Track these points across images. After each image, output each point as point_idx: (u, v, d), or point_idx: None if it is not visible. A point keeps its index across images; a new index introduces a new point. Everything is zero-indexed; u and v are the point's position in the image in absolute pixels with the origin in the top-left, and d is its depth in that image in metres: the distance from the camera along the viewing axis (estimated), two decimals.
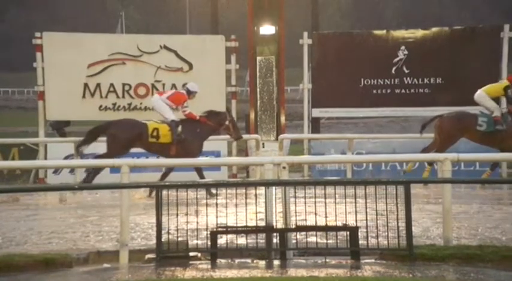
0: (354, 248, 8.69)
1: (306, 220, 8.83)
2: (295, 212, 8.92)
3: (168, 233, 8.61)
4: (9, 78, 57.98)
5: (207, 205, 8.79)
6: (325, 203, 8.70)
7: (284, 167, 9.14)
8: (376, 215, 8.60)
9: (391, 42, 18.49)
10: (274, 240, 8.83)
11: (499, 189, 14.80)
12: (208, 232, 8.68)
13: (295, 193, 8.91)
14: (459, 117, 14.83)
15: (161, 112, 14.42)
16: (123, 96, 17.71)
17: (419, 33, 18.73)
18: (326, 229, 8.80)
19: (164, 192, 8.63)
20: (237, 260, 8.66)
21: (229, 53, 18.11)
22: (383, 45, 18.48)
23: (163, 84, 17.71)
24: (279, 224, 8.98)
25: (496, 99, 15.53)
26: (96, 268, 8.55)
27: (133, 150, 14.36)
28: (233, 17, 33.13)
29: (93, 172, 13.64)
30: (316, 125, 19.72)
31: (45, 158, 16.64)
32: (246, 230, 8.83)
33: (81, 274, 8.37)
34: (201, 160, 12.40)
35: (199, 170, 13.78)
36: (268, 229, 8.83)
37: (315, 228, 8.85)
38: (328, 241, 8.84)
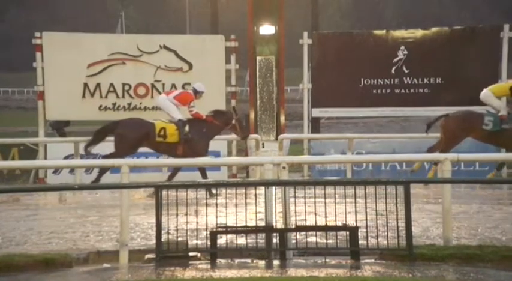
0: (353, 248, 8.69)
1: (305, 220, 8.83)
2: (295, 212, 8.92)
3: (168, 233, 8.62)
4: (9, 78, 57.99)
5: (206, 205, 8.80)
6: (325, 203, 8.70)
7: (284, 167, 9.14)
8: (376, 215, 8.60)
9: (391, 42, 18.49)
10: (274, 240, 8.84)
11: (499, 189, 14.79)
12: (208, 232, 8.68)
13: (295, 192, 8.92)
14: (464, 116, 14.77)
15: (168, 112, 14.44)
16: (123, 96, 17.71)
17: (419, 33, 18.72)
18: (326, 229, 8.80)
19: (164, 192, 8.63)
20: (236, 260, 8.67)
21: (229, 53, 18.11)
22: (383, 45, 18.47)
23: (163, 84, 17.72)
24: (279, 224, 8.99)
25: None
26: (96, 268, 8.55)
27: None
28: (233, 17, 33.10)
29: (101, 171, 13.62)
30: (316, 125, 19.71)
31: (45, 158, 16.64)
32: (246, 230, 8.84)
33: (81, 274, 8.37)
34: (200, 160, 12.38)
35: (202, 170, 13.82)
36: (268, 229, 8.83)
37: (315, 228, 8.85)
38: (328, 241, 8.84)
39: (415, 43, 18.40)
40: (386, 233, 8.56)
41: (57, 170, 16.34)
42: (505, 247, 8.71)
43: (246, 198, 8.81)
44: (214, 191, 10.34)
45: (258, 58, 18.54)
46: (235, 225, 8.96)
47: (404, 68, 18.34)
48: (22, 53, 31.21)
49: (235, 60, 18.21)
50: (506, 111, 14.71)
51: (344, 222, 8.74)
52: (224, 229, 8.83)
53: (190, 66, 17.81)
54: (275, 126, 18.43)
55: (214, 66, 17.66)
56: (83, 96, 17.58)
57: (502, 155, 14.44)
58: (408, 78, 18.35)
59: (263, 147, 16.97)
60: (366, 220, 8.68)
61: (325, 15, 49.74)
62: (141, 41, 18.09)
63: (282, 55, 18.50)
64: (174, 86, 17.60)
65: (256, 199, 9.08)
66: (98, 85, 17.62)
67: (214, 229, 8.75)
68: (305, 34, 18.55)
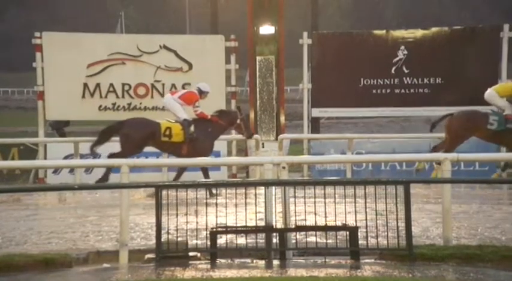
0: (353, 248, 8.68)
1: (305, 219, 8.83)
2: (295, 212, 8.92)
3: (168, 233, 8.61)
4: (8, 78, 57.98)
5: (206, 204, 8.79)
6: (325, 203, 8.70)
7: (284, 167, 9.14)
8: (376, 215, 8.60)
9: (391, 42, 18.49)
10: (274, 240, 8.83)
11: (499, 189, 14.79)
12: (208, 232, 8.68)
13: (294, 192, 8.92)
14: (469, 116, 14.71)
15: (174, 111, 14.44)
16: (123, 96, 17.72)
17: (419, 33, 18.72)
18: (326, 228, 8.80)
19: (164, 192, 8.63)
20: (236, 260, 8.66)
21: (229, 53, 18.12)
22: (383, 45, 18.48)
23: (163, 84, 17.74)
24: (279, 224, 8.99)
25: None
26: (96, 268, 8.55)
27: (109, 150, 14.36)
28: (233, 17, 33.11)
29: (108, 170, 13.61)
30: (315, 125, 19.71)
31: (45, 158, 16.65)
32: (246, 230, 8.84)
33: (80, 273, 8.37)
34: (201, 160, 12.38)
35: (205, 170, 13.84)
36: (268, 229, 8.83)
37: (315, 228, 8.85)
38: (328, 241, 8.83)
39: (415, 43, 18.40)
40: (386, 233, 8.56)
41: (57, 170, 16.34)
42: (505, 247, 8.71)
43: (245, 198, 8.81)
44: (214, 191, 10.33)
45: (258, 58, 18.54)
46: (235, 225, 8.96)
47: (404, 68, 18.34)
48: (22, 53, 31.21)
49: (235, 60, 18.22)
50: (511, 110, 14.67)
51: (344, 222, 8.74)
52: (224, 229, 8.82)
53: (190, 66, 17.82)
54: (275, 126, 18.43)
55: (214, 66, 17.67)
56: (83, 96, 17.59)
57: (502, 155, 14.45)
58: (408, 78, 18.35)
59: (263, 147, 16.98)
60: (366, 220, 8.68)
61: (325, 15, 49.74)
62: (141, 41, 18.10)
63: (282, 55, 18.50)
64: (174, 86, 17.62)
65: (256, 199, 9.07)
66: (98, 85, 17.63)
67: (214, 229, 8.75)
68: (305, 34, 18.55)
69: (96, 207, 12.43)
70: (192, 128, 14.12)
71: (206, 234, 8.68)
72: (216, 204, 8.97)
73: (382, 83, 18.44)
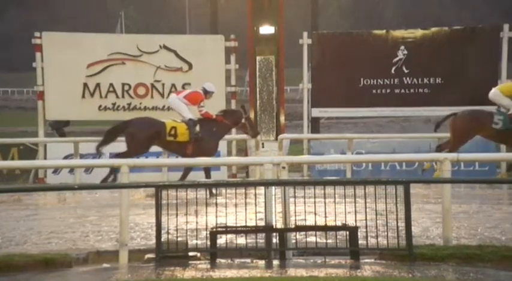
0: (353, 248, 8.69)
1: (305, 219, 8.83)
2: (295, 212, 8.92)
3: (168, 233, 8.61)
4: (8, 78, 57.98)
5: (206, 204, 8.79)
6: (325, 203, 8.70)
7: (283, 167, 9.14)
8: (376, 215, 8.60)
9: (391, 42, 18.49)
10: (274, 240, 8.83)
11: (499, 189, 14.79)
12: (208, 232, 8.68)
13: (294, 192, 8.92)
14: (473, 115, 14.66)
15: (179, 111, 14.44)
16: (123, 96, 17.72)
17: (418, 33, 18.71)
18: (325, 228, 8.80)
19: (164, 192, 8.63)
20: (236, 260, 8.66)
21: (228, 53, 18.11)
22: (382, 45, 18.47)
23: (163, 84, 17.74)
24: (279, 224, 8.98)
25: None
26: (96, 267, 8.55)
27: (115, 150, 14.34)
28: (233, 17, 33.10)
29: (112, 170, 13.59)
30: (315, 125, 19.71)
31: (45, 158, 16.65)
32: (246, 230, 8.84)
33: (80, 273, 8.37)
34: (201, 160, 12.38)
35: (207, 169, 13.85)
36: (268, 229, 8.83)
37: (315, 228, 8.85)
38: (328, 241, 8.83)
39: (415, 43, 18.40)
40: (386, 233, 8.56)
41: (56, 170, 16.34)
42: (505, 246, 8.71)
43: (245, 198, 8.81)
44: (214, 191, 10.33)
45: (258, 58, 18.54)
46: (235, 225, 8.95)
47: (404, 68, 18.34)
48: (22, 53, 31.20)
49: (235, 60, 18.21)
50: None
51: (344, 222, 8.74)
52: (224, 229, 8.82)
53: (190, 66, 17.82)
54: (275, 126, 18.43)
55: (214, 66, 17.66)
56: (83, 96, 17.59)
57: (502, 155, 14.45)
58: (408, 78, 18.35)
59: (263, 147, 16.98)
60: (366, 219, 8.68)
61: (325, 15, 49.75)
62: (140, 41, 18.10)
63: (282, 55, 18.50)
64: (173, 86, 17.63)
65: (256, 199, 9.07)
66: (98, 85, 17.63)
67: (214, 229, 8.75)
68: (305, 34, 18.55)
69: (96, 207, 12.44)
70: (197, 128, 14.13)
71: (206, 234, 8.67)
72: (216, 204, 8.96)
73: (382, 83, 18.43)
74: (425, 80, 18.34)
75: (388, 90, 18.43)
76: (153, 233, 8.74)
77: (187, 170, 14.03)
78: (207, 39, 18.49)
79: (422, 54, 18.27)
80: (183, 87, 17.38)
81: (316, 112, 18.99)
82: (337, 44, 18.71)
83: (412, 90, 18.37)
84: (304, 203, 8.75)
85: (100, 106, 17.71)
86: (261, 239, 8.81)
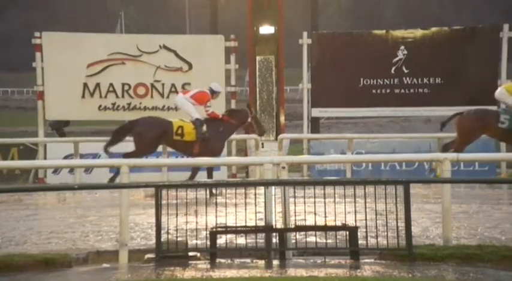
0: (353, 248, 8.68)
1: (305, 219, 8.82)
2: (295, 212, 8.92)
3: (168, 233, 8.61)
4: (8, 78, 57.99)
5: (206, 204, 8.78)
6: (325, 203, 8.70)
7: (283, 167, 9.14)
8: (376, 215, 8.60)
9: (391, 42, 18.49)
10: (274, 240, 8.83)
11: (499, 189, 14.79)
12: (208, 232, 8.68)
13: (294, 192, 8.91)
14: (479, 115, 14.62)
15: (186, 111, 14.44)
16: (123, 96, 17.72)
17: (418, 33, 18.72)
18: (325, 228, 8.80)
19: (164, 192, 8.63)
20: (236, 260, 8.66)
21: (228, 53, 18.12)
22: (382, 45, 18.47)
23: (163, 84, 17.75)
24: (279, 224, 8.98)
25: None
26: (96, 267, 8.55)
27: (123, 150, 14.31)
28: (233, 17, 33.12)
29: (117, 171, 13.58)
30: (315, 125, 19.72)
31: (45, 158, 16.65)
32: (246, 230, 8.83)
33: (80, 273, 8.37)
34: (201, 160, 12.38)
35: (210, 169, 13.87)
36: (268, 229, 8.83)
37: (314, 228, 8.84)
38: (328, 241, 8.83)
39: (415, 43, 18.40)
40: (386, 233, 8.55)
41: (56, 170, 16.34)
42: (505, 246, 8.70)
43: (245, 198, 8.80)
44: (214, 191, 10.33)
45: (258, 58, 18.55)
46: (234, 225, 8.95)
47: (404, 68, 18.34)
48: (22, 53, 31.21)
49: (234, 60, 18.21)
50: None
51: (344, 222, 8.74)
52: (224, 229, 8.82)
53: (190, 66, 17.82)
54: (275, 126, 18.44)
55: (214, 66, 17.66)
56: (83, 96, 17.59)
57: (502, 155, 14.45)
58: (408, 78, 18.35)
59: (263, 147, 16.98)
60: (366, 219, 8.67)
61: (325, 15, 49.75)
62: (140, 41, 18.10)
63: (282, 55, 18.51)
64: (173, 86, 17.64)
65: (255, 199, 9.07)
66: (98, 85, 17.63)
67: (214, 229, 8.74)
68: (305, 34, 18.55)
69: (96, 207, 12.43)
70: (204, 128, 14.14)
71: (206, 234, 8.67)
72: (216, 204, 8.96)
73: (382, 83, 18.44)
74: (425, 80, 18.35)
75: (388, 90, 18.43)
76: (153, 233, 8.74)
77: (196, 170, 14.02)
78: (207, 39, 18.49)
79: (422, 54, 18.27)
80: (183, 87, 17.40)
81: (316, 112, 19.00)
82: (337, 44, 18.71)
83: (412, 90, 18.37)
84: (304, 203, 8.75)
85: (100, 106, 17.71)
86: (260, 239, 8.81)
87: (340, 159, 14.63)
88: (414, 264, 8.31)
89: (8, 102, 53.84)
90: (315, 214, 8.88)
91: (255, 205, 8.99)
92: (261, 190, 9.08)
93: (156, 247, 8.59)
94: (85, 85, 17.59)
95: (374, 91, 18.46)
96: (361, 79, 18.46)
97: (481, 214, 11.30)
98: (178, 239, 8.62)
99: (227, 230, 8.84)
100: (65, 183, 15.11)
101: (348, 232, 8.67)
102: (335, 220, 8.74)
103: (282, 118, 18.48)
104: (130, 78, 17.72)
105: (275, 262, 8.65)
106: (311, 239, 8.93)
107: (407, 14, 65.21)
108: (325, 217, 8.75)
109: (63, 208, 12.91)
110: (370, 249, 8.70)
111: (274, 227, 8.90)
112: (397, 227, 8.52)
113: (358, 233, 8.67)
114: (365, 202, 8.62)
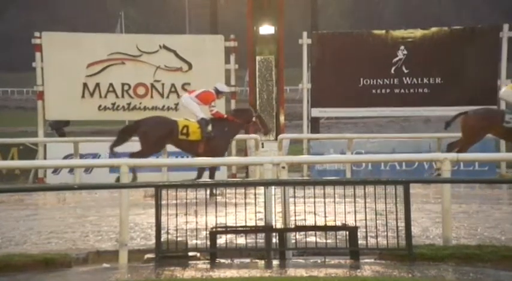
0: (353, 248, 8.68)
1: (305, 219, 8.82)
2: (295, 212, 8.92)
3: (168, 233, 8.61)
4: (8, 78, 57.99)
5: (206, 204, 8.78)
6: (325, 203, 8.69)
7: (283, 167, 9.14)
8: (376, 215, 8.60)
9: (391, 42, 18.49)
10: (274, 240, 8.83)
11: (499, 189, 14.79)
12: (208, 232, 8.68)
13: (294, 192, 8.91)
14: (484, 114, 14.62)
15: (191, 110, 14.43)
16: (123, 96, 17.72)
17: (418, 33, 18.71)
18: (325, 228, 8.80)
19: (163, 192, 8.62)
20: (236, 260, 8.66)
21: (228, 53, 18.11)
22: (382, 45, 18.47)
23: (163, 84, 17.75)
24: (278, 224, 8.98)
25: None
26: (96, 267, 8.55)
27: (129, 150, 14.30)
28: (232, 17, 33.12)
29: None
30: (315, 125, 19.72)
31: (45, 158, 16.65)
32: (245, 230, 8.83)
33: (80, 273, 8.37)
34: (201, 160, 12.39)
35: (212, 169, 13.89)
36: (268, 229, 8.83)
37: (314, 228, 8.84)
38: (328, 241, 8.83)
39: (415, 43, 18.40)
40: (385, 233, 8.55)
41: (56, 170, 16.34)
42: (504, 246, 8.70)
43: (245, 198, 8.80)
44: (215, 191, 10.34)
45: (258, 58, 18.55)
46: (234, 225, 8.95)
47: (403, 68, 18.34)
48: (22, 53, 31.21)
49: (234, 60, 18.21)
50: None
51: (343, 222, 8.74)
52: (224, 229, 8.82)
53: (190, 66, 17.82)
54: (275, 126, 18.42)
55: (213, 66, 17.66)
56: (83, 96, 17.60)
57: (502, 155, 14.44)
58: (408, 78, 18.35)
59: (262, 147, 16.98)
60: (366, 219, 8.68)
61: (325, 15, 49.75)
62: (140, 41, 18.10)
63: (282, 55, 18.51)
64: (173, 86, 17.64)
65: (255, 199, 9.07)
66: (98, 85, 17.63)
67: (214, 229, 8.74)
68: (304, 34, 18.55)
69: (96, 207, 12.43)
70: (209, 127, 14.15)
71: (206, 234, 8.67)
72: (216, 204, 8.96)
73: (381, 83, 18.44)
74: (425, 80, 18.34)
75: (388, 90, 18.43)
76: (153, 233, 8.74)
77: (202, 170, 14.01)
78: (207, 39, 18.50)
79: (422, 54, 18.27)
80: (183, 87, 17.42)
81: (316, 112, 19.00)
82: (337, 44, 18.71)
83: (411, 90, 18.37)
84: (304, 203, 8.75)
85: (100, 106, 17.71)
86: (260, 239, 8.81)
87: (340, 159, 14.64)
88: (414, 264, 8.31)
89: (7, 102, 53.85)
90: (315, 214, 8.88)
91: (255, 205, 8.99)
92: (260, 190, 9.08)
93: (156, 247, 8.59)
94: (85, 85, 17.59)
95: (374, 91, 18.46)
96: (361, 79, 18.46)
97: (481, 214, 11.30)
98: (178, 239, 8.62)
99: (227, 230, 8.83)
100: (65, 183, 15.11)
101: (347, 232, 8.67)
102: (335, 220, 8.74)
103: (282, 118, 18.48)
104: (130, 78, 17.72)
105: (275, 262, 8.65)
106: (311, 239, 8.93)
107: (407, 14, 65.19)
108: (325, 217, 8.75)
109: (63, 208, 12.91)
110: (370, 249, 8.70)
111: (274, 227, 8.90)
112: (397, 227, 8.52)
113: (358, 233, 8.67)
114: (365, 202, 8.62)
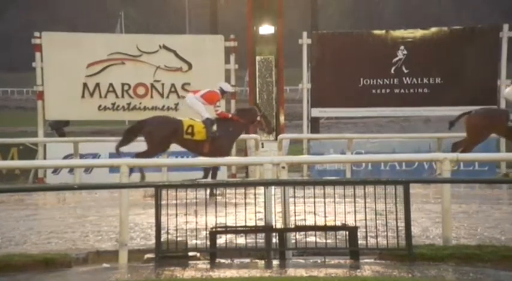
0: (353, 248, 8.68)
1: (305, 219, 8.82)
2: (295, 212, 8.92)
3: (168, 233, 8.61)
4: (8, 78, 57.98)
5: (206, 204, 8.78)
6: (324, 203, 8.69)
7: (283, 167, 9.13)
8: (375, 215, 8.60)
9: (391, 42, 18.48)
10: (274, 240, 8.83)
11: (499, 189, 14.79)
12: (208, 232, 8.68)
13: (294, 192, 8.91)
14: (487, 114, 14.61)
15: (196, 110, 14.42)
16: (122, 96, 17.72)
17: (418, 33, 18.71)
18: (325, 228, 8.80)
19: (163, 192, 8.62)
20: (236, 260, 8.66)
21: (228, 53, 18.11)
22: (382, 45, 18.47)
23: (163, 84, 17.74)
24: (278, 224, 8.98)
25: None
26: (96, 267, 8.55)
27: (135, 150, 14.31)
28: (232, 17, 33.12)
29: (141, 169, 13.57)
30: (315, 125, 19.72)
31: (45, 158, 16.64)
32: (245, 230, 8.83)
33: (80, 273, 8.37)
34: (201, 160, 12.38)
35: (215, 169, 13.92)
36: (268, 229, 8.83)
37: (314, 228, 8.84)
38: (328, 241, 8.82)
39: (415, 43, 18.39)
40: (385, 233, 8.55)
41: (56, 170, 16.34)
42: (504, 246, 8.70)
43: (245, 198, 8.80)
44: (215, 191, 10.35)
45: (258, 58, 18.55)
46: (234, 225, 8.95)
47: (403, 68, 18.33)
48: (22, 53, 31.20)
49: (234, 60, 18.20)
50: None
51: (343, 222, 8.74)
52: (223, 229, 8.82)
53: (190, 66, 17.82)
54: (274, 126, 18.40)
55: (213, 66, 17.66)
56: (83, 96, 17.59)
57: (502, 155, 14.45)
58: (408, 78, 18.34)
59: (262, 147, 16.97)
60: (366, 219, 8.68)
61: (325, 15, 49.75)
62: (140, 41, 18.10)
63: (281, 55, 18.51)
64: (173, 86, 17.64)
65: (255, 199, 9.07)
66: (98, 85, 17.63)
67: (214, 229, 8.74)
68: (304, 34, 18.55)
69: (96, 207, 12.43)
70: (214, 127, 14.15)
71: (206, 234, 8.67)
72: (216, 204, 8.96)
73: (381, 83, 18.43)
74: (425, 80, 18.34)
75: (387, 90, 18.43)
76: (153, 233, 8.74)
77: (208, 169, 13.99)
78: (207, 39, 18.50)
79: (422, 54, 18.26)
80: (183, 87, 17.42)
81: (316, 112, 19.00)
82: (337, 44, 18.71)
83: (411, 90, 18.36)
84: (304, 203, 8.75)
85: (100, 106, 17.71)
86: (260, 239, 8.81)
87: (340, 159, 14.63)
88: (414, 264, 8.31)
89: (7, 102, 53.83)
90: (315, 214, 8.88)
91: (255, 205, 8.99)
92: (260, 190, 9.08)
93: (155, 247, 8.59)
94: (85, 85, 17.59)
95: (374, 91, 18.45)
96: (361, 79, 18.46)
97: (481, 214, 11.30)
98: (178, 239, 8.62)
99: (227, 230, 8.84)
100: (65, 183, 15.11)
101: (347, 232, 8.67)
102: (335, 220, 8.74)
103: (282, 118, 18.48)
104: (130, 78, 17.72)
105: (275, 262, 8.65)
106: (311, 239, 8.93)
107: (407, 14, 65.18)
108: (325, 217, 8.75)
109: (63, 208, 12.91)
110: (369, 249, 8.70)
111: (274, 227, 8.90)
112: (397, 227, 8.52)
113: (358, 233, 8.67)
114: (365, 202, 8.62)
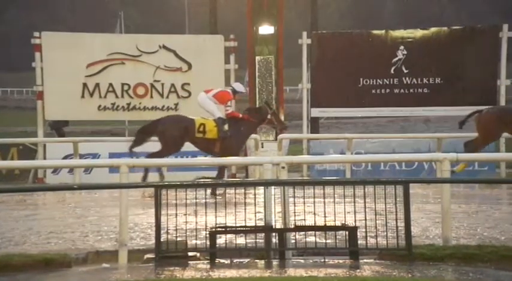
0: (352, 248, 8.68)
1: (304, 219, 8.82)
2: (294, 212, 8.92)
3: (167, 233, 8.61)
4: (8, 78, 57.99)
5: (206, 204, 8.78)
6: (324, 203, 8.70)
7: (283, 167, 9.14)
8: (375, 215, 8.60)
9: (390, 42, 18.48)
10: (273, 240, 8.83)
11: (498, 189, 14.79)
12: (207, 232, 8.68)
13: (294, 192, 8.91)
14: (499, 112, 14.53)
15: (208, 110, 14.40)
16: (122, 96, 17.72)
17: (418, 33, 18.70)
18: (325, 228, 8.80)
19: (163, 192, 8.62)
20: (236, 260, 8.65)
21: (228, 53, 18.11)
22: (382, 45, 18.46)
23: (162, 84, 17.75)
24: (278, 224, 8.98)
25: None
26: (95, 267, 8.55)
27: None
28: (232, 16, 33.14)
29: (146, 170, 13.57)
30: (315, 125, 19.72)
31: (44, 158, 16.64)
32: (245, 230, 8.83)
33: (80, 273, 8.37)
34: (201, 160, 12.39)
35: (222, 169, 13.95)
36: (267, 229, 8.83)
37: (314, 228, 8.84)
38: (327, 241, 8.83)
39: (415, 43, 18.39)
40: (385, 233, 8.56)
41: (56, 170, 16.35)
42: (504, 246, 8.70)
43: (245, 198, 8.81)
44: (217, 191, 10.35)
45: (257, 58, 18.54)
46: (234, 225, 8.95)
47: (403, 68, 18.33)
48: (21, 53, 31.21)
49: (234, 60, 18.21)
50: None
51: (343, 222, 8.74)
52: (223, 229, 8.82)
53: (190, 66, 17.82)
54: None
55: (213, 66, 17.67)
56: (82, 96, 17.60)
57: (502, 155, 14.45)
58: (407, 78, 18.34)
59: (262, 147, 16.98)
60: (365, 219, 8.68)
61: (325, 15, 49.72)
62: (140, 41, 18.10)
63: (281, 55, 18.51)
64: (173, 86, 17.64)
65: (255, 199, 9.07)
66: (97, 85, 17.63)
67: (214, 229, 8.74)
68: (304, 34, 18.55)
69: (96, 207, 12.43)
70: (226, 126, 14.15)
71: (205, 234, 8.67)
72: (216, 204, 8.96)
73: (381, 83, 18.43)
74: (425, 80, 18.33)
75: (387, 90, 18.42)
76: (153, 233, 8.74)
77: (223, 168, 14.00)
78: (207, 39, 18.50)
79: (422, 54, 18.26)
80: (183, 87, 17.43)
81: (316, 112, 19.00)
82: (337, 44, 18.71)
83: (411, 90, 18.36)
84: (304, 203, 8.75)
85: (99, 106, 17.71)
86: (260, 239, 8.81)
87: (339, 159, 14.64)
88: (414, 264, 8.31)
89: (7, 102, 53.84)
90: (315, 214, 8.89)
91: (255, 205, 8.99)
92: (260, 190, 9.08)
93: (155, 247, 8.59)
94: (84, 85, 17.59)
95: (373, 91, 18.45)
96: (361, 79, 18.45)
97: (481, 214, 11.30)
98: (178, 239, 8.62)
99: (227, 230, 8.83)
100: (65, 183, 15.11)
101: (347, 232, 8.67)
102: (334, 220, 8.74)
103: (282, 118, 18.44)
104: (129, 78, 17.72)
105: (275, 262, 8.65)
106: (310, 239, 8.93)
107: (407, 14, 65.19)
108: (325, 217, 8.75)
109: (62, 208, 12.90)
110: (369, 249, 8.70)
111: (273, 227, 8.90)
112: (397, 227, 8.52)
113: (358, 233, 8.67)
114: (364, 202, 8.62)
